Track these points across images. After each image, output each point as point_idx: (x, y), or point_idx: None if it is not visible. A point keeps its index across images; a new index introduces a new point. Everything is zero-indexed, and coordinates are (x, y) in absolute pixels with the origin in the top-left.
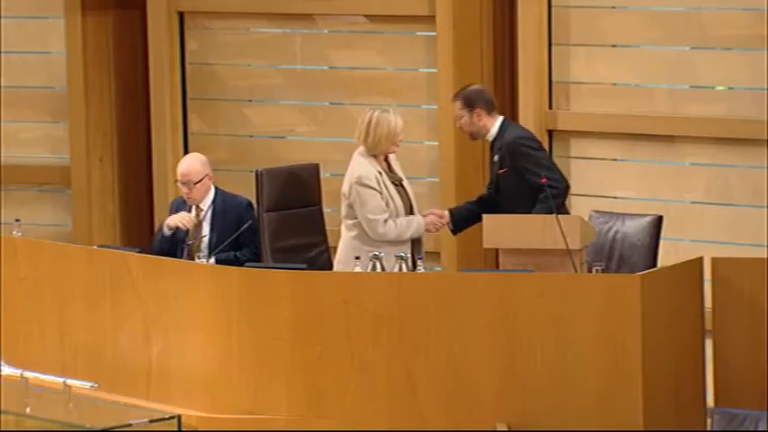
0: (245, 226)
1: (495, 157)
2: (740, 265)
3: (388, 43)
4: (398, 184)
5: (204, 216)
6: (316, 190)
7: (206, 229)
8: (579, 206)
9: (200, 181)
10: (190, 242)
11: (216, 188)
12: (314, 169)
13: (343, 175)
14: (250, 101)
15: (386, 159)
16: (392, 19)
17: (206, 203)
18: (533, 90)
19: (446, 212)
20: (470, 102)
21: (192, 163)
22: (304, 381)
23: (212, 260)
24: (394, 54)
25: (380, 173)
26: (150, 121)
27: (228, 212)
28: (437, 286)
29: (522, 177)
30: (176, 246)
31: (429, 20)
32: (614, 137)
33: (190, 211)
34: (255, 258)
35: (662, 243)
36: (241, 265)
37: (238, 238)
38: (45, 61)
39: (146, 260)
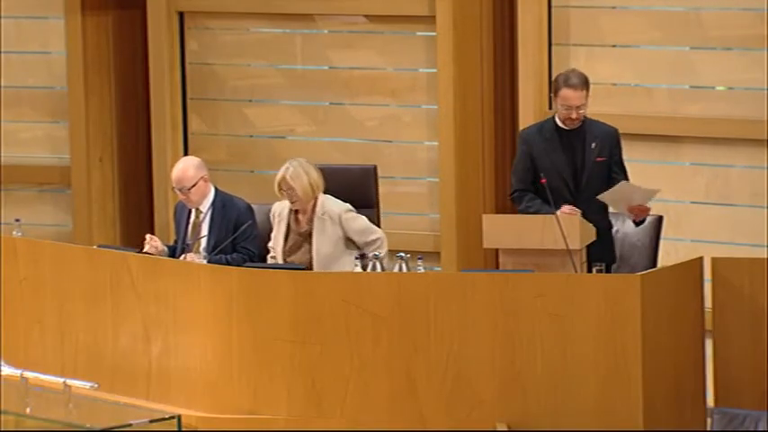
0: (245, 226)
1: (593, 145)
2: (740, 265)
3: (388, 43)
4: (300, 235)
5: (203, 218)
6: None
7: (205, 231)
8: None
9: (194, 185)
10: (189, 242)
11: (216, 189)
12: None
13: None
14: (250, 101)
15: (295, 211)
16: (392, 19)
17: (205, 205)
18: (533, 90)
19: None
20: (589, 89)
21: (185, 169)
22: (304, 381)
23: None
24: (394, 54)
25: (274, 215)
26: (150, 121)
27: (227, 215)
28: (437, 286)
29: (610, 169)
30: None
31: (429, 20)
32: None
33: (190, 214)
34: (251, 253)
35: (662, 243)
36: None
37: (234, 240)
38: (45, 61)
39: (146, 260)
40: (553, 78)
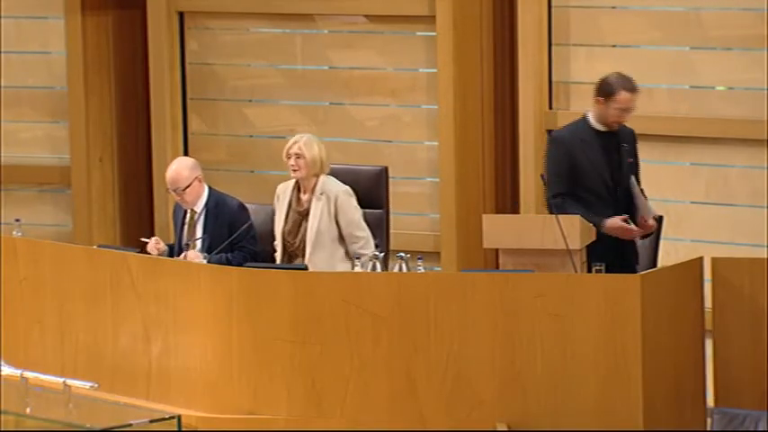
0: (244, 227)
1: (625, 146)
2: (740, 265)
3: (388, 43)
4: (300, 213)
5: (198, 218)
6: None
7: (199, 232)
8: None
9: (188, 186)
10: (186, 243)
11: (209, 189)
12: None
13: None
14: (250, 101)
15: (298, 186)
16: (392, 19)
17: (199, 206)
18: (533, 90)
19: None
20: None
21: (179, 169)
22: (304, 381)
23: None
24: (394, 54)
25: (278, 197)
26: (150, 121)
27: (221, 214)
28: (437, 286)
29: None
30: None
31: (429, 20)
32: None
33: (185, 215)
34: (250, 252)
35: (662, 243)
36: (234, 263)
37: (233, 241)
38: (45, 61)
39: (146, 260)
40: (599, 81)
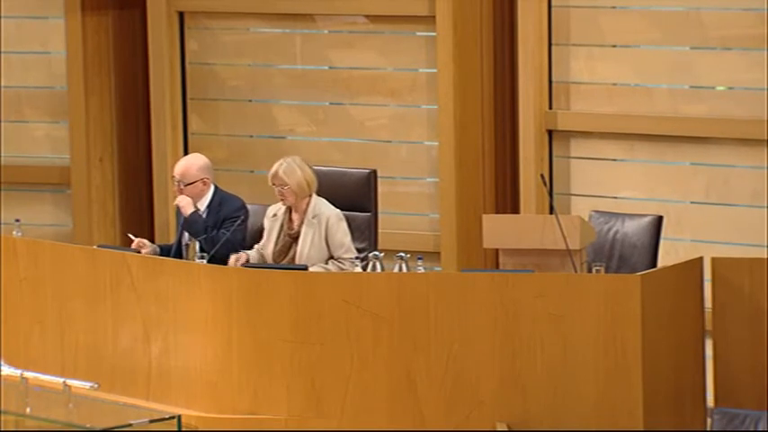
0: (239, 222)
1: None
2: (740, 265)
3: (388, 43)
4: (291, 236)
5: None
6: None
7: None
8: (579, 206)
9: (191, 184)
10: (188, 242)
11: (215, 188)
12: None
13: None
14: (250, 101)
15: (289, 210)
16: (392, 19)
17: (203, 204)
18: (533, 90)
19: None
20: None
21: (189, 165)
22: (304, 381)
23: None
24: (394, 54)
25: (275, 215)
26: (150, 121)
27: (222, 213)
28: (437, 286)
29: None
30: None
31: (429, 20)
32: (614, 137)
33: None
34: (230, 239)
35: (662, 243)
36: (215, 243)
37: (221, 225)
38: (45, 61)
39: (146, 260)
40: None
